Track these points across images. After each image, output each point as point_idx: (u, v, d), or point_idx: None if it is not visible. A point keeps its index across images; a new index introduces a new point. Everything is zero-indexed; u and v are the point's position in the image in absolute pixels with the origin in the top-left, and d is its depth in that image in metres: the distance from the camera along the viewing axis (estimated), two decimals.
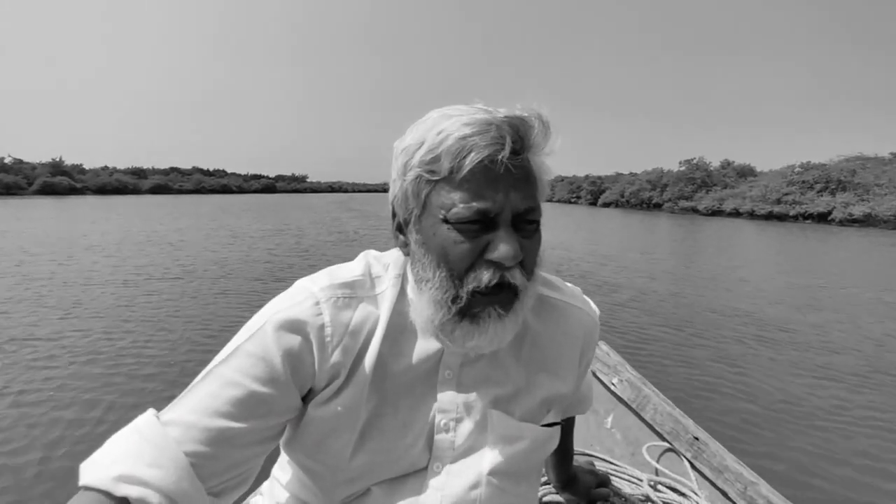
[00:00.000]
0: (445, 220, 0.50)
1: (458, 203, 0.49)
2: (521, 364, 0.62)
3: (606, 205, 67.31)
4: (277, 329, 0.53)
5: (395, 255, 0.62)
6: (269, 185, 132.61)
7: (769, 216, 39.32)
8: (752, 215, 40.90)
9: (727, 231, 24.68)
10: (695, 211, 48.17)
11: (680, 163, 53.71)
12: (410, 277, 0.58)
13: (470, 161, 0.48)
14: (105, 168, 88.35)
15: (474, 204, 0.48)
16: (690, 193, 50.60)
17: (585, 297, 0.72)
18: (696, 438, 1.22)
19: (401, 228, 0.57)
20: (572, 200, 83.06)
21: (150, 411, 0.52)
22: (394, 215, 0.57)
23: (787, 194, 39.11)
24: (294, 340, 0.53)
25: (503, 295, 0.51)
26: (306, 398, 0.57)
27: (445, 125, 0.49)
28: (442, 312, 0.52)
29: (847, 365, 4.37)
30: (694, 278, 8.90)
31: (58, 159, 71.35)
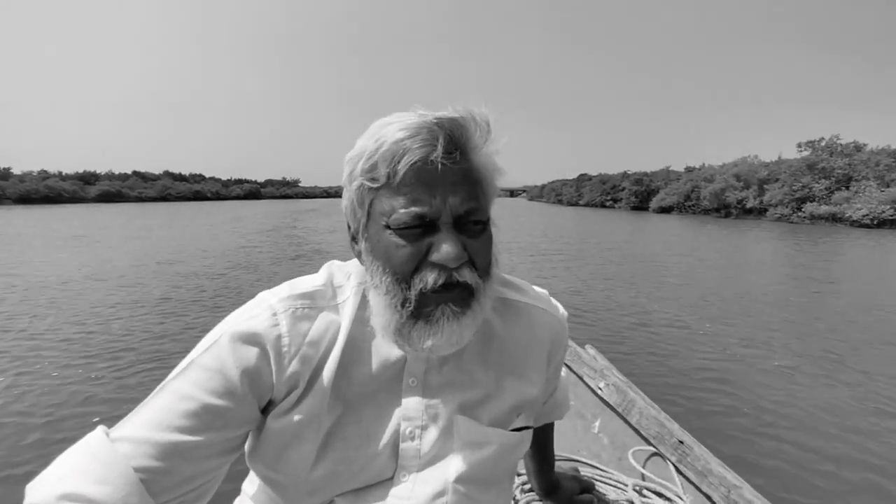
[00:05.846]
0: (387, 227, 0.51)
1: (397, 209, 0.49)
2: (489, 369, 0.62)
3: (665, 210, 50.71)
4: (233, 341, 0.52)
5: (357, 264, 0.62)
6: (252, 191, 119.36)
7: None
8: None
9: None
10: (836, 219, 31.54)
11: (799, 146, 36.32)
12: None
13: (403, 164, 0.48)
14: (42, 172, 73.54)
15: (413, 209, 0.49)
16: (824, 193, 33.66)
17: (553, 299, 0.71)
18: (681, 442, 1.23)
19: (355, 238, 0.58)
20: (607, 204, 66.57)
21: (101, 428, 0.50)
22: (349, 226, 0.58)
23: None
24: (250, 353, 0.52)
25: (456, 293, 0.51)
26: (266, 409, 0.56)
27: (383, 132, 0.50)
28: (396, 317, 0.52)
29: None
30: None
31: None
